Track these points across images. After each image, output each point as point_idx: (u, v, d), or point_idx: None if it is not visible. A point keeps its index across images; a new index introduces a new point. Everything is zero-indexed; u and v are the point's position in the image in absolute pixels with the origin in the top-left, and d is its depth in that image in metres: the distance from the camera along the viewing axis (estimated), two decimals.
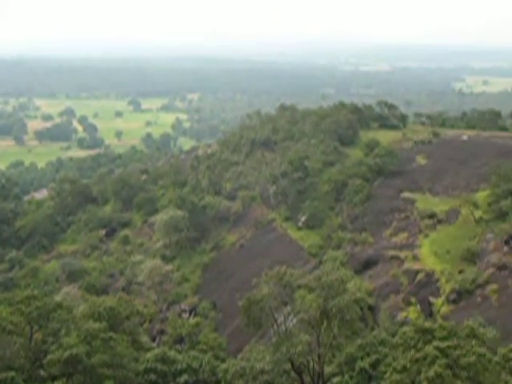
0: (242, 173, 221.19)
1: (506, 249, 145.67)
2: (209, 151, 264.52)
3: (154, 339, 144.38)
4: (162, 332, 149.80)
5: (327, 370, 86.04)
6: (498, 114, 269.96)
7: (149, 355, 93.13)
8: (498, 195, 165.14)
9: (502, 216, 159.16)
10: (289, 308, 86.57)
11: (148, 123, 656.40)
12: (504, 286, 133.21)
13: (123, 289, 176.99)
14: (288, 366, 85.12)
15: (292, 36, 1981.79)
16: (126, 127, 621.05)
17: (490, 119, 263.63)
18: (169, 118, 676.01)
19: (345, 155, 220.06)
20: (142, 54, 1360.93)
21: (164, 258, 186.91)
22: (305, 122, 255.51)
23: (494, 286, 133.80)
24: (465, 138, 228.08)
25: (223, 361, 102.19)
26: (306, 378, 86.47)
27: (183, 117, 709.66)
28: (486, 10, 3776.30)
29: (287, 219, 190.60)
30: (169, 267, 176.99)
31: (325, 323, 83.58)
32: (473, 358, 68.87)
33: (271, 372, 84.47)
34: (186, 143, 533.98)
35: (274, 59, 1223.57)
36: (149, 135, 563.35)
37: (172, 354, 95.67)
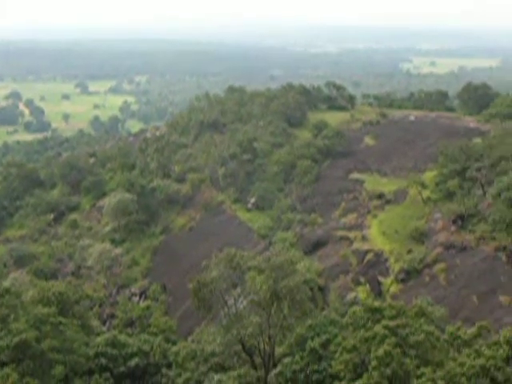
0: (191, 155, 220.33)
1: (453, 228, 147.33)
2: (157, 134, 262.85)
3: (104, 323, 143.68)
4: (112, 316, 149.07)
5: (278, 350, 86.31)
6: (444, 95, 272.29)
7: (99, 339, 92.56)
8: (446, 175, 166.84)
9: (449, 196, 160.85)
10: (239, 290, 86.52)
11: (96, 106, 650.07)
12: (452, 265, 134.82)
13: (72, 273, 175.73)
14: (239, 347, 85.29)
15: (240, 18, 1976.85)
16: (74, 110, 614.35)
17: (437, 100, 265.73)
18: (117, 101, 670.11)
19: (293, 136, 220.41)
20: (89, 36, 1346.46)
21: (113, 242, 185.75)
22: (253, 104, 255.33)
23: (441, 265, 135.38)
24: (412, 118, 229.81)
25: (174, 343, 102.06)
26: (256, 359, 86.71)
27: (131, 99, 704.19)
28: None
29: (236, 201, 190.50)
30: (118, 251, 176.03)
31: (275, 304, 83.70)
32: (421, 337, 69.65)
33: (222, 354, 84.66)
34: (135, 126, 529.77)
35: (222, 41, 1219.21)
36: (96, 118, 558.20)
37: (122, 337, 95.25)
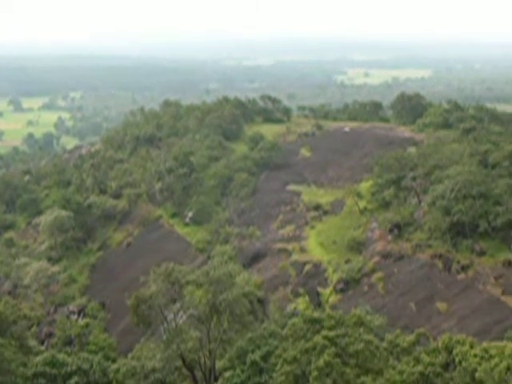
0: (127, 170, 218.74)
1: (390, 237, 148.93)
2: (93, 150, 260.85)
3: (42, 342, 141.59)
4: (50, 335, 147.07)
5: (219, 364, 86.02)
6: (378, 105, 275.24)
7: (37, 359, 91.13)
8: (381, 185, 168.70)
9: (385, 205, 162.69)
10: (178, 305, 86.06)
11: (30, 123, 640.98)
12: (389, 274, 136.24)
13: (9, 292, 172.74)
14: (179, 362, 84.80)
15: (174, 33, 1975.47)
16: (7, 128, 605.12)
17: (371, 110, 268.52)
18: (51, 117, 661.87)
19: (230, 150, 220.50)
20: (23, 52, 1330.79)
21: (50, 260, 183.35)
22: (189, 118, 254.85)
23: (379, 274, 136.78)
24: (347, 129, 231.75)
25: (114, 361, 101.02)
26: (197, 374, 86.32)
27: (66, 115, 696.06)
28: (364, 3, 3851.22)
29: (174, 215, 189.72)
30: (55, 269, 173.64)
31: (214, 318, 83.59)
32: (361, 346, 70.09)
33: (162, 370, 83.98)
34: (70, 142, 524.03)
35: (157, 56, 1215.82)
36: (31, 135, 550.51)
37: (61, 356, 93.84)
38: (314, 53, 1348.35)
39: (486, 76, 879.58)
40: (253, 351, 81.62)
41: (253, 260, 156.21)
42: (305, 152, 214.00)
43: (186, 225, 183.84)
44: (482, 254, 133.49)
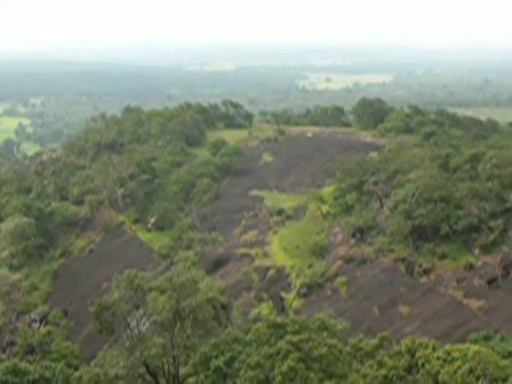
0: (89, 177, 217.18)
1: (352, 241, 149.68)
2: (54, 156, 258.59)
3: (4, 351, 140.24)
4: (11, 343, 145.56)
5: (182, 371, 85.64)
6: (340, 110, 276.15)
7: None
8: (344, 190, 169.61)
9: (347, 210, 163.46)
10: (141, 311, 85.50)
11: None
12: (352, 278, 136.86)
13: None
14: (143, 369, 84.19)
15: (135, 39, 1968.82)
16: None
17: (333, 115, 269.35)
18: (11, 124, 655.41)
19: (192, 155, 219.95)
20: None
21: (11, 268, 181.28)
22: (151, 124, 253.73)
23: (342, 279, 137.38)
24: (309, 134, 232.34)
25: (76, 369, 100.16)
26: (161, 381, 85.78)
27: (26, 122, 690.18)
28: (324, 8, 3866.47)
29: (136, 221, 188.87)
30: (16, 276, 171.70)
31: (178, 324, 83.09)
32: (324, 350, 70.23)
33: (126, 377, 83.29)
34: (30, 149, 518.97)
35: (118, 62, 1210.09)
36: None
37: (23, 365, 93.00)
38: (276, 58, 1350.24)
39: (447, 81, 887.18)
40: (216, 357, 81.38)
41: (216, 265, 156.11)
42: (267, 157, 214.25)
43: (149, 231, 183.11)
44: (443, 257, 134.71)
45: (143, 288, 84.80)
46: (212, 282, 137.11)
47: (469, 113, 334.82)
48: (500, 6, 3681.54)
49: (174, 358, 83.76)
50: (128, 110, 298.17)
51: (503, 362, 67.69)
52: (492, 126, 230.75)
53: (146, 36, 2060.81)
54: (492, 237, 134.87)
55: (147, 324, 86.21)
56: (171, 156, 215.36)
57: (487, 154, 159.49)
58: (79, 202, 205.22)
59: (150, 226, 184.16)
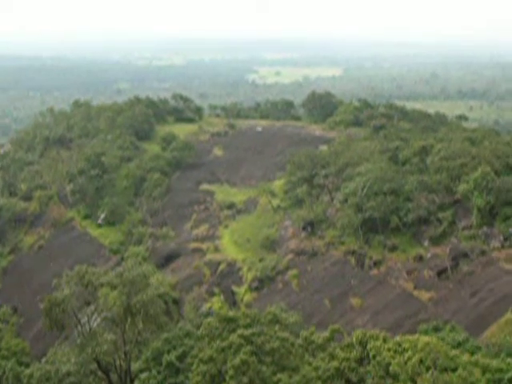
0: (38, 172, 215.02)
1: (303, 234, 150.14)
2: (2, 151, 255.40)
3: None
4: None
5: (134, 366, 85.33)
6: (290, 104, 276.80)
7: None
8: (294, 183, 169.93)
9: (298, 203, 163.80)
10: (92, 307, 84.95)
11: None
12: (303, 271, 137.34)
13: None
14: (94, 366, 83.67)
15: (82, 33, 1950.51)
16: None
17: (282, 109, 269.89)
18: None
19: (142, 150, 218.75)
20: None
21: None
22: (100, 118, 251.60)
23: (293, 272, 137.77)
24: (259, 128, 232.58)
25: (27, 366, 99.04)
26: (113, 377, 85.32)
27: None
28: (273, 2, 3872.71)
29: (86, 217, 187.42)
30: None
31: (129, 320, 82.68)
32: (276, 343, 70.34)
33: (77, 373, 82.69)
34: None
35: (65, 56, 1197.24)
36: None
37: None
38: (225, 52, 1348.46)
39: (396, 74, 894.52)
40: (168, 352, 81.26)
41: (167, 260, 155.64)
42: (217, 151, 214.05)
43: (99, 226, 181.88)
44: (393, 249, 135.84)
45: (94, 284, 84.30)
46: (163, 277, 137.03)
47: (417, 106, 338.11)
48: (447, 1, 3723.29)
49: (125, 353, 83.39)
50: (77, 104, 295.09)
51: (453, 352, 68.40)
52: (440, 119, 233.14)
53: (94, 30, 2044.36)
54: (441, 228, 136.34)
55: (98, 320, 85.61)
56: (121, 151, 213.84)
57: (436, 147, 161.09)
58: (28, 197, 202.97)
59: (100, 221, 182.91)
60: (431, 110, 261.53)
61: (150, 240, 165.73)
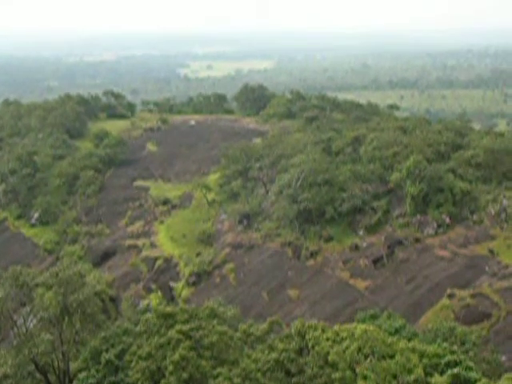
0: None
1: (239, 228, 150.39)
2: None
3: None
4: None
5: (73, 366, 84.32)
6: (223, 98, 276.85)
7: None
8: (229, 176, 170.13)
9: (233, 196, 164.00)
10: (28, 308, 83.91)
11: None
12: (240, 264, 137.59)
13: None
14: (32, 367, 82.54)
15: (10, 30, 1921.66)
16: None
17: (215, 103, 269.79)
18: None
19: (74, 148, 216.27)
20: None
21: None
22: (31, 117, 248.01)
23: (231, 265, 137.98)
24: (192, 122, 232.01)
25: None
26: (51, 378, 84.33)
27: None
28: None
29: (19, 217, 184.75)
30: None
31: (66, 320, 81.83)
32: (215, 337, 70.28)
33: (15, 376, 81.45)
34: None
35: None
36: None
37: None
38: (156, 47, 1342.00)
39: (328, 65, 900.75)
40: (107, 350, 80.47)
41: (103, 258, 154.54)
42: (151, 147, 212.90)
43: (33, 226, 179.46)
44: (329, 239, 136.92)
45: (29, 284, 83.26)
46: (99, 275, 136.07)
47: (349, 96, 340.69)
48: None
49: (63, 353, 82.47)
50: (6, 103, 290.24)
51: (390, 339, 69.16)
52: (372, 109, 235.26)
53: (23, 26, 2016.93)
54: (376, 217, 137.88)
55: (34, 321, 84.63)
56: (53, 149, 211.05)
57: (368, 137, 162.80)
58: None
59: (33, 221, 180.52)
60: (363, 101, 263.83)
61: (85, 238, 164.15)
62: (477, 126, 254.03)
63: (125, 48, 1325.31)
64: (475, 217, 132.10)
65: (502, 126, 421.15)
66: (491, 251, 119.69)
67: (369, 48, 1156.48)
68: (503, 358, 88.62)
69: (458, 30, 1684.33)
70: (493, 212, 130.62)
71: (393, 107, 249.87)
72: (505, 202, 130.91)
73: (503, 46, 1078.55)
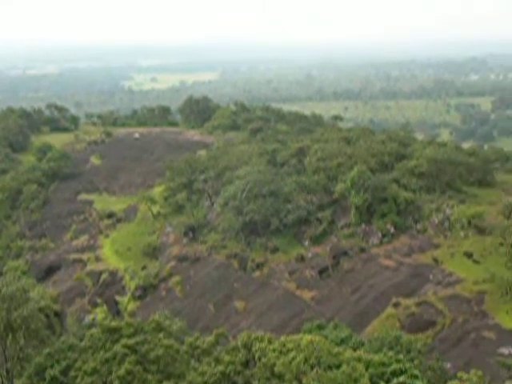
0: None
1: (185, 240, 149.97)
2: None
3: None
4: None
5: (17, 383, 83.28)
6: (167, 110, 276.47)
7: None
8: (174, 189, 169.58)
9: (179, 209, 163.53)
10: None
11: None
12: (186, 277, 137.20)
13: None
14: None
15: None
16: None
17: (159, 115, 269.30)
18: None
19: (17, 161, 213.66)
20: None
21: None
22: None
23: (177, 278, 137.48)
24: (137, 135, 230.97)
25: None
26: None
27: None
28: (146, 8, 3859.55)
29: None
30: None
31: (10, 336, 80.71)
32: (161, 351, 69.98)
33: None
34: None
35: None
36: None
37: None
38: (100, 59, 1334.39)
39: (272, 77, 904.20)
40: (52, 366, 79.55)
41: (47, 273, 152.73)
42: (95, 160, 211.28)
43: None
44: (275, 251, 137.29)
45: None
46: (44, 290, 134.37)
47: (294, 108, 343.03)
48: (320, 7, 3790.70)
49: (7, 371, 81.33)
50: None
51: (336, 349, 69.57)
52: (316, 120, 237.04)
53: None
54: (321, 228, 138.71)
55: None
56: None
57: (312, 148, 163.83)
58: None
59: None
60: (307, 112, 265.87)
61: (29, 253, 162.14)
62: (420, 136, 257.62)
63: (68, 60, 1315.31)
64: (419, 226, 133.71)
65: (444, 135, 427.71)
66: (435, 260, 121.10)
67: (313, 59, 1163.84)
68: (448, 366, 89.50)
69: (403, 41, 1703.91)
70: (436, 221, 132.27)
71: (337, 118, 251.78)
72: (448, 211, 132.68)
73: (445, 56, 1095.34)
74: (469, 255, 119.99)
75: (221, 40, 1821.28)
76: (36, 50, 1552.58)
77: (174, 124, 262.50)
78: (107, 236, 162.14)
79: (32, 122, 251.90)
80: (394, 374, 69.97)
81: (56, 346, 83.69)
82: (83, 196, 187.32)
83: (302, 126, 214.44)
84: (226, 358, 70.70)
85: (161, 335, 74.54)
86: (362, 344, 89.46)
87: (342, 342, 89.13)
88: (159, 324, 78.51)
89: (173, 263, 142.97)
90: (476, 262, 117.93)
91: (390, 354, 75.64)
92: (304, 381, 65.11)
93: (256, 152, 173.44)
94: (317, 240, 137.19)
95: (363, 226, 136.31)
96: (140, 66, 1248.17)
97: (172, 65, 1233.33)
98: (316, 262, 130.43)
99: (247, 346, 72.02)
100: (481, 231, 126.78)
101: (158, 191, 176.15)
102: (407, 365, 72.20)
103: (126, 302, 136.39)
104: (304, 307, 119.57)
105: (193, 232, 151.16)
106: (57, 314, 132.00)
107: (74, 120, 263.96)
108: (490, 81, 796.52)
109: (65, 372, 77.80)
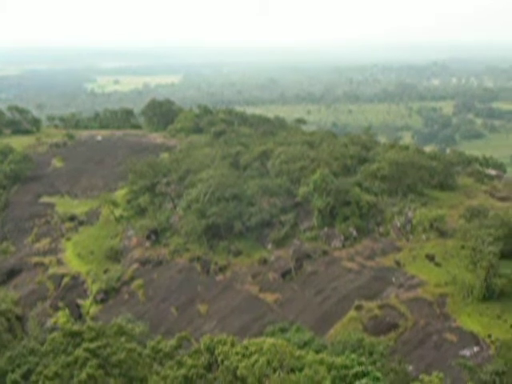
0: None
1: (147, 244, 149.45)
2: None
3: None
4: None
5: None
6: (130, 113, 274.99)
7: None
8: (136, 192, 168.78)
9: (141, 212, 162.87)
10: None
11: None
12: (149, 280, 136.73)
13: None
14: None
15: None
16: None
17: (122, 118, 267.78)
18: None
19: None
20: None
21: None
22: None
23: (139, 281, 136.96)
24: (99, 138, 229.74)
25: None
26: None
27: None
28: (108, 10, 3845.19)
29: None
30: None
31: None
32: (123, 355, 69.73)
33: None
34: None
35: None
36: None
37: None
38: (61, 61, 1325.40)
39: (235, 80, 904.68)
40: (13, 370, 78.98)
41: (8, 276, 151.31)
42: (57, 162, 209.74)
43: None
44: (238, 254, 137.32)
45: None
46: (5, 294, 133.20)
47: (257, 111, 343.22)
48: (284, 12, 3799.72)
49: None
50: None
51: (299, 352, 69.69)
52: (279, 123, 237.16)
53: None
54: (283, 231, 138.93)
55: None
56: None
57: (276, 151, 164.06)
58: None
59: None
60: (270, 115, 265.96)
61: None
62: (382, 140, 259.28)
63: (29, 62, 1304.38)
64: (381, 229, 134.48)
65: (406, 138, 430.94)
66: (397, 263, 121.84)
67: (276, 63, 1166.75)
68: (410, 368, 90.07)
69: (366, 45, 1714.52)
70: (398, 224, 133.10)
71: (300, 121, 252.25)
72: (410, 214, 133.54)
73: (407, 60, 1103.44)
74: (431, 258, 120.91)
75: (184, 43, 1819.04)
76: None
77: (136, 127, 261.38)
78: (69, 239, 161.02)
79: None
80: (357, 376, 70.22)
81: (17, 350, 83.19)
82: (45, 199, 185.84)
83: (265, 129, 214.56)
84: (189, 361, 70.55)
85: (123, 339, 74.31)
86: (325, 347, 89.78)
87: (305, 344, 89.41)
88: (121, 328, 78.24)
89: (135, 266, 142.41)
90: (438, 264, 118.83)
91: (353, 356, 75.95)
92: None
93: (219, 155, 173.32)
94: (280, 243, 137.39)
95: (326, 229, 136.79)
96: (103, 68, 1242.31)
97: (135, 67, 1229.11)
98: (279, 265, 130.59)
99: (210, 350, 71.93)
100: (442, 234, 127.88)
101: (120, 194, 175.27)
102: (369, 367, 72.54)
103: (87, 305, 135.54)
104: (267, 310, 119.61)
105: (155, 235, 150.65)
106: (18, 318, 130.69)
107: (36, 122, 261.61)
108: (452, 85, 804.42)
109: (26, 376, 77.32)
